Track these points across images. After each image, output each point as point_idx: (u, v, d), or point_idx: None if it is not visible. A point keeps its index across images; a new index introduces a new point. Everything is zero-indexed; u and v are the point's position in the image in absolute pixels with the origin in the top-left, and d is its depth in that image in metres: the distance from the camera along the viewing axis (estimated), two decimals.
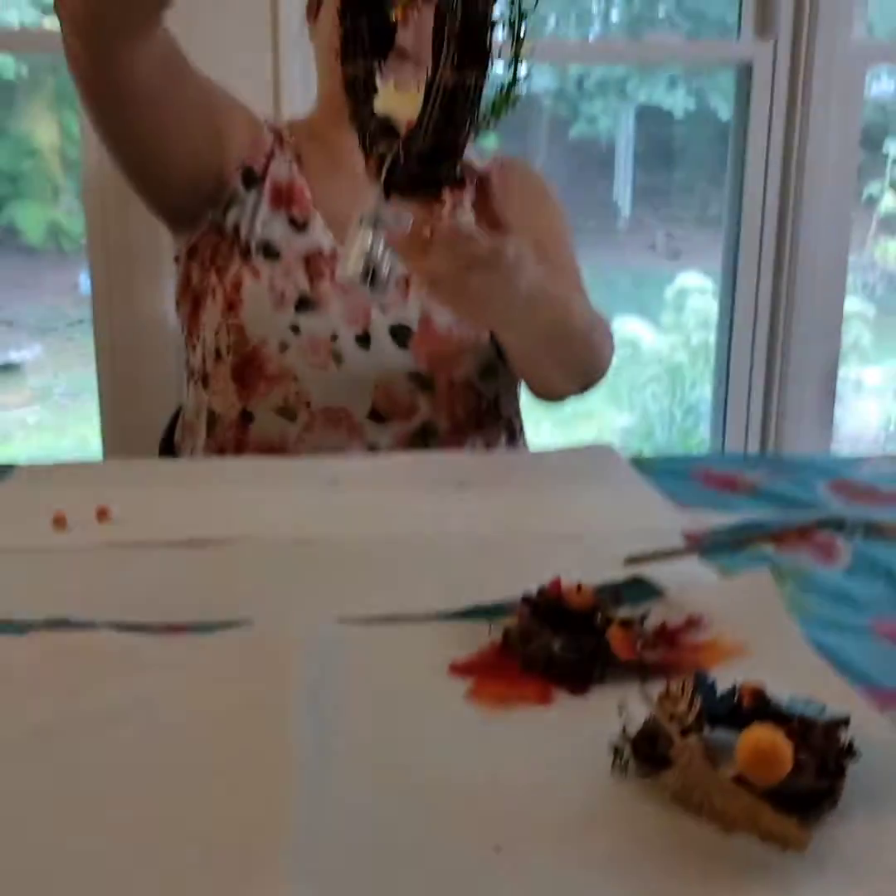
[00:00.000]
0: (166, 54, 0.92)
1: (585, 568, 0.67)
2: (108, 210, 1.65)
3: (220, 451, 1.07)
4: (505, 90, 0.77)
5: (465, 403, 1.08)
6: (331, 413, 1.04)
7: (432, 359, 1.05)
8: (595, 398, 3.88)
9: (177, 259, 1.14)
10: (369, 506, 0.81)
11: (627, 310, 5.83)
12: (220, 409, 1.07)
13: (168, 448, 1.26)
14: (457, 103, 0.72)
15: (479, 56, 0.71)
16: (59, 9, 0.86)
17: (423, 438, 1.06)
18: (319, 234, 1.06)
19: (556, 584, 0.58)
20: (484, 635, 0.57)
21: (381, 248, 0.74)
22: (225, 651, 0.56)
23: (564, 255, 1.15)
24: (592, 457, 0.95)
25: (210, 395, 1.08)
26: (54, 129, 6.19)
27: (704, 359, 2.74)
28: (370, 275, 0.74)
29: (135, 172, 1.03)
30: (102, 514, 0.77)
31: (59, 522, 0.75)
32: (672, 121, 6.48)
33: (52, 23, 1.68)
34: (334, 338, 1.03)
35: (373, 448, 1.04)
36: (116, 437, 1.84)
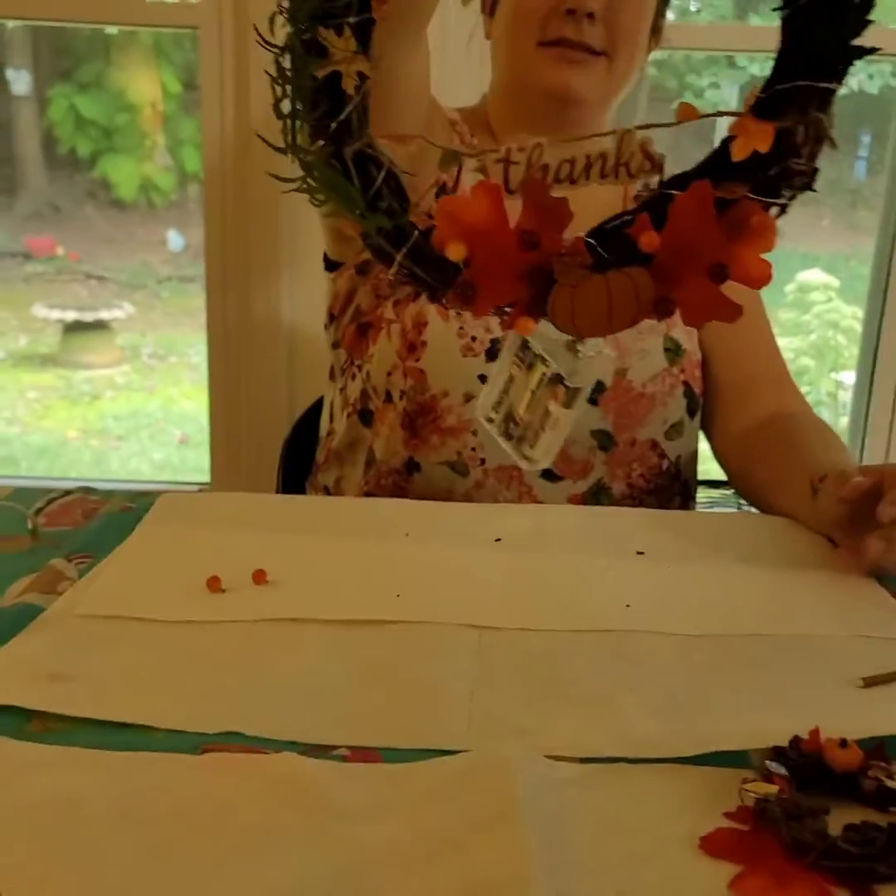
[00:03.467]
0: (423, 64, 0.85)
1: (818, 688, 0.59)
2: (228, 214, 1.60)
3: (375, 494, 0.98)
4: None
5: (644, 464, 0.98)
6: (504, 471, 0.94)
7: (620, 415, 0.96)
8: None
9: (331, 266, 1.04)
10: (540, 583, 0.73)
11: None
12: (381, 455, 0.98)
13: (293, 454, 1.20)
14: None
15: None
16: None
17: (595, 500, 0.97)
18: None
19: (816, 736, 0.49)
20: (724, 786, 0.49)
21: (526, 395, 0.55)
22: (429, 789, 0.49)
23: (763, 314, 1.07)
24: (781, 526, 0.85)
25: (372, 435, 0.99)
26: (151, 84, 6.18)
27: (828, 360, 2.59)
28: (508, 426, 0.57)
29: None
30: (259, 577, 0.70)
31: (214, 584, 0.69)
32: None
33: None
34: None
35: None
36: (223, 413, 1.78)
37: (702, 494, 1.51)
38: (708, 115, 0.45)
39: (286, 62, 0.45)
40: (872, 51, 0.43)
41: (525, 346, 0.51)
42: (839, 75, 0.44)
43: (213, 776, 0.49)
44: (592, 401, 0.95)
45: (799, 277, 2.68)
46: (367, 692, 0.58)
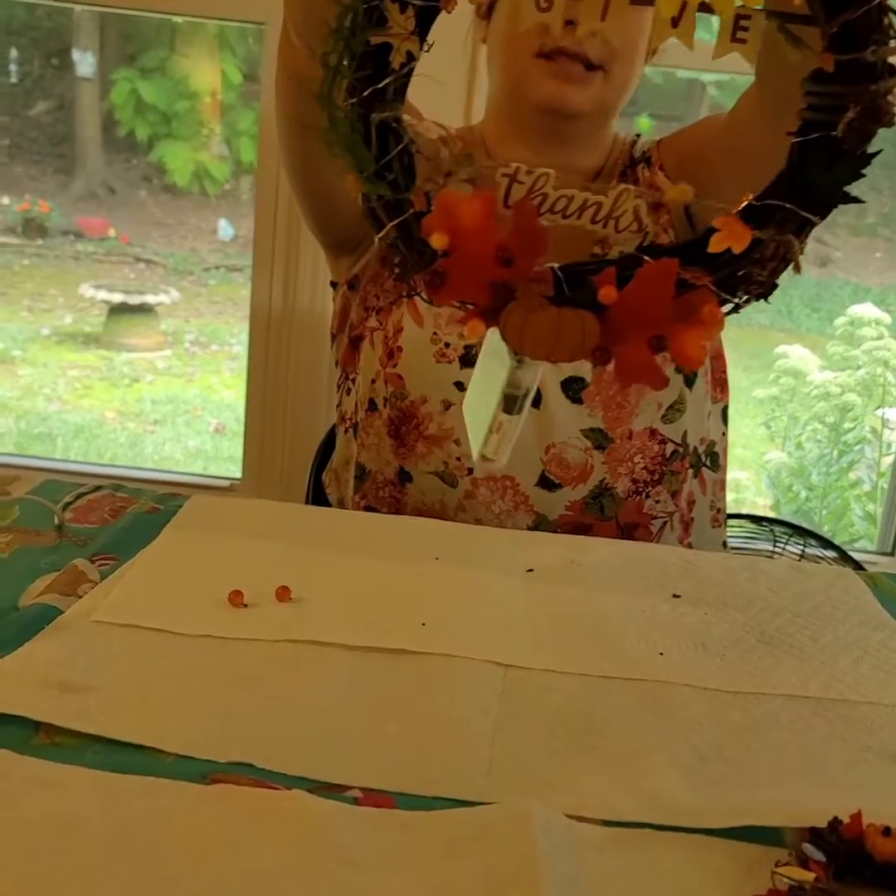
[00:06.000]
0: None
1: (860, 763, 0.56)
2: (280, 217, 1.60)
3: (374, 507, 0.97)
4: None
5: (646, 455, 0.94)
6: (495, 481, 0.92)
7: (610, 409, 0.92)
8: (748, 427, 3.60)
9: (333, 285, 1.05)
10: (571, 622, 0.70)
11: (784, 326, 5.55)
12: (372, 466, 0.97)
13: (326, 463, 1.19)
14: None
15: None
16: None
17: (597, 504, 0.94)
18: None
19: (857, 820, 0.46)
20: (755, 865, 0.46)
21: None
22: (444, 842, 0.46)
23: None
24: (826, 579, 0.82)
25: (359, 447, 0.98)
26: (213, 73, 6.22)
27: (875, 397, 2.54)
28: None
29: (313, 193, 0.96)
30: (282, 594, 0.68)
31: (236, 599, 0.67)
32: None
33: None
34: None
35: (541, 519, 0.93)
36: (259, 409, 1.77)
37: (736, 529, 1.47)
38: (702, 202, 0.47)
39: (347, 21, 0.47)
40: (857, 200, 0.48)
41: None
42: (823, 212, 0.48)
43: (218, 809, 0.47)
44: (577, 399, 0.91)
45: (851, 311, 2.62)
46: (385, 728, 0.56)
